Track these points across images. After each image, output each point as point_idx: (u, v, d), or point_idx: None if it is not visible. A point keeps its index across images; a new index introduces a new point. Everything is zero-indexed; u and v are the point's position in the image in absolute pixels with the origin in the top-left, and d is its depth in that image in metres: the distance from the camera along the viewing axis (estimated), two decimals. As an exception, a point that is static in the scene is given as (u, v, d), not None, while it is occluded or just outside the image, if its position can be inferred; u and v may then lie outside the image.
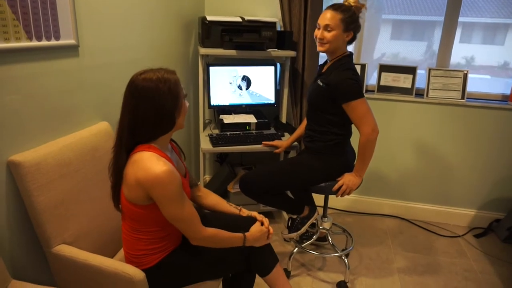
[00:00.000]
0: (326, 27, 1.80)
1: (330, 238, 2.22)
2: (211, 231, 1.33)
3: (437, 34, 2.57)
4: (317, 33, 1.85)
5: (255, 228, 1.49)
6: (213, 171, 3.06)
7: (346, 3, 1.83)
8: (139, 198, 1.23)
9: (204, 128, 2.60)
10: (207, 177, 3.06)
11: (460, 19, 2.52)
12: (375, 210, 2.88)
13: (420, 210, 2.81)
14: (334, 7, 1.81)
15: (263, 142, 2.26)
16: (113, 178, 1.29)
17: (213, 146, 2.24)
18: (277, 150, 2.24)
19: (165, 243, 1.36)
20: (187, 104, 1.34)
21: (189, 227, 1.28)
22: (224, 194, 2.67)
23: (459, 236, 2.63)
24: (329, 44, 1.82)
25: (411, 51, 2.71)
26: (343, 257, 2.13)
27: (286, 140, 2.27)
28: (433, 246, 2.50)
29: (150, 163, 1.19)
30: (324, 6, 2.44)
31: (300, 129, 2.22)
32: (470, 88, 2.58)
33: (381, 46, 2.73)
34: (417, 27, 2.69)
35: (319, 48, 1.87)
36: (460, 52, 2.62)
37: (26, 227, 1.32)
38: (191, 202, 1.33)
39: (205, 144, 2.29)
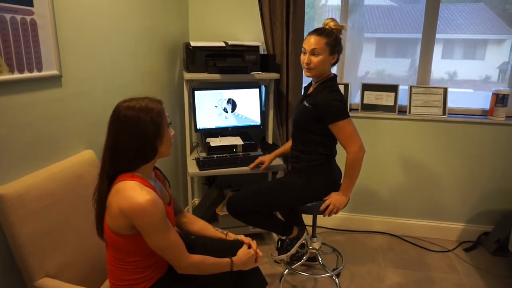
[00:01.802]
0: (313, 52, 1.84)
1: (320, 258, 2.21)
2: (197, 258, 1.32)
3: (419, 50, 2.65)
4: (304, 58, 1.88)
5: (242, 252, 1.48)
6: (201, 194, 3.05)
7: (327, 27, 1.87)
8: (122, 227, 1.22)
9: (191, 151, 2.61)
10: (196, 201, 3.04)
11: (441, 35, 2.60)
12: (365, 227, 2.89)
13: (410, 225, 2.82)
14: (318, 32, 1.85)
15: (248, 167, 2.27)
16: (96, 206, 1.29)
17: (200, 170, 2.24)
18: (262, 167, 2.23)
19: (150, 272, 1.34)
20: (173, 132, 1.34)
21: (175, 256, 1.27)
22: (213, 217, 2.65)
23: (449, 251, 2.64)
24: (316, 70, 1.86)
25: (395, 68, 2.78)
26: (334, 277, 2.12)
27: (270, 154, 2.27)
28: (424, 262, 2.50)
29: (134, 192, 1.19)
30: (306, 29, 2.51)
31: (285, 146, 2.23)
32: (454, 102, 2.65)
33: (366, 64, 2.80)
34: (400, 45, 2.77)
35: (306, 74, 1.90)
36: (442, 68, 2.70)
37: (8, 261, 1.30)
38: (176, 230, 1.32)
39: (192, 167, 2.29)
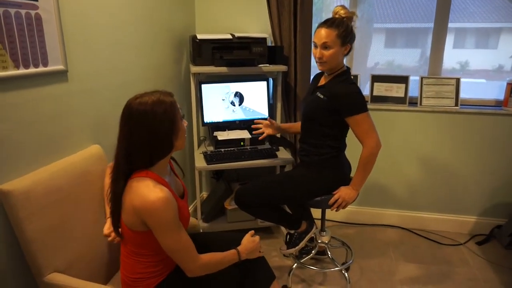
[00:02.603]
0: (324, 45, 1.78)
1: (329, 252, 2.19)
2: (205, 257, 1.31)
3: (430, 40, 2.59)
4: (315, 52, 1.83)
5: (246, 239, 1.48)
6: (209, 188, 3.04)
7: (337, 16, 1.81)
8: (136, 224, 1.22)
9: (199, 145, 2.60)
10: (204, 194, 3.04)
11: (452, 24, 2.53)
12: (375, 220, 2.86)
13: (421, 218, 2.78)
14: (328, 23, 1.79)
15: (254, 122, 2.19)
16: (112, 204, 1.27)
17: (208, 164, 2.23)
18: (267, 130, 2.16)
19: (162, 267, 1.34)
20: (186, 123, 1.33)
21: (185, 258, 1.26)
22: (221, 211, 2.65)
23: (461, 244, 2.59)
24: (329, 63, 1.82)
25: (406, 58, 2.72)
26: (343, 271, 2.10)
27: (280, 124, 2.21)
28: (435, 256, 2.47)
29: (147, 190, 1.18)
30: (314, 20, 2.46)
31: (295, 125, 2.19)
32: (466, 92, 2.59)
33: (375, 55, 2.74)
34: (411, 34, 2.70)
35: (320, 68, 1.86)
36: (454, 58, 2.64)
37: (17, 256, 1.31)
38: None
39: (200, 162, 2.28)
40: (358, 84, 2.65)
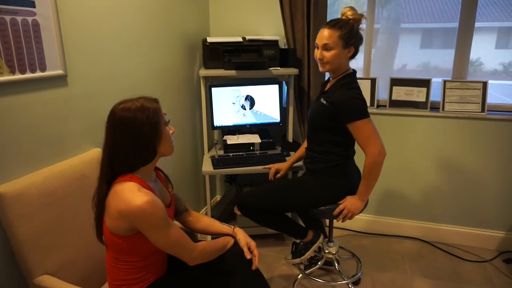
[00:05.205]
0: (325, 47, 1.72)
1: (337, 264, 2.09)
2: (201, 244, 1.34)
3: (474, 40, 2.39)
4: (317, 53, 1.78)
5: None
6: (223, 191, 3.02)
7: (344, 17, 1.74)
8: (122, 229, 1.21)
9: (210, 149, 2.58)
10: (218, 197, 3.03)
11: (495, 24, 2.36)
12: (394, 231, 2.71)
13: (443, 231, 2.61)
14: (331, 24, 1.73)
15: (263, 167, 2.23)
16: (96, 209, 1.28)
17: (214, 168, 2.21)
18: (278, 175, 2.16)
19: (146, 273, 1.33)
20: (172, 130, 1.32)
21: (182, 251, 1.27)
22: (232, 216, 2.62)
23: (486, 261, 2.40)
24: (329, 65, 1.75)
25: (442, 59, 2.54)
26: (350, 285, 2.00)
27: (286, 162, 2.19)
28: (456, 272, 2.30)
29: (131, 194, 1.17)
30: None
31: (301, 150, 2.14)
32: (508, 95, 2.39)
33: (405, 56, 2.59)
34: (449, 34, 2.51)
35: (321, 68, 1.80)
36: (496, 58, 2.44)
37: (10, 258, 1.33)
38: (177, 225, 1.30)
39: (207, 166, 2.26)
40: (376, 88, 2.53)
